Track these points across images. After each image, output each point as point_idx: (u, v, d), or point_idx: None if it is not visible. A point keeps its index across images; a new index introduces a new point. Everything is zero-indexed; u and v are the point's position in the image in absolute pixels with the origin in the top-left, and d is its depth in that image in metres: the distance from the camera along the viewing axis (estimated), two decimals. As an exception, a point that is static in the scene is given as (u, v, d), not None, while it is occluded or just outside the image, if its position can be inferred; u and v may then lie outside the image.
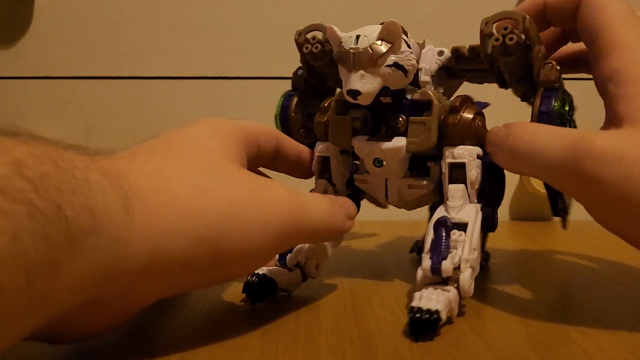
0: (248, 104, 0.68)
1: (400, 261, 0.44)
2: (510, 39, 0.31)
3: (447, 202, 0.31)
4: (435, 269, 0.28)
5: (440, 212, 0.31)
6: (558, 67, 0.31)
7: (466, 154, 0.31)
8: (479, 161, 0.32)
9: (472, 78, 0.36)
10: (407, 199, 0.35)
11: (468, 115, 0.32)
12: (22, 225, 0.17)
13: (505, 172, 0.34)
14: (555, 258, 0.47)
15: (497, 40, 0.31)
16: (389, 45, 0.30)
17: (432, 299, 0.27)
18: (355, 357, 0.24)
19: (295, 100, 0.39)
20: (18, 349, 0.23)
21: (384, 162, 0.33)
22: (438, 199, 0.34)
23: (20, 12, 0.69)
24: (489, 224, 0.32)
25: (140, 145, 0.27)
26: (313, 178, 0.37)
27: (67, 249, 0.18)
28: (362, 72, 0.30)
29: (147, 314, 0.30)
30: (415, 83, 0.34)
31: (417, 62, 0.33)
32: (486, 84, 0.37)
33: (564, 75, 0.32)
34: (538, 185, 0.63)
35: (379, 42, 0.30)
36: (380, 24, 0.30)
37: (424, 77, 0.34)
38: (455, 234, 0.30)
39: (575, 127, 0.32)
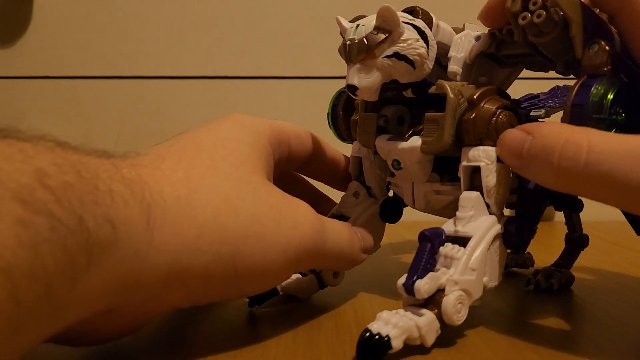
0: (248, 103, 0.66)
1: (401, 261, 0.43)
2: (539, 16, 0.25)
3: (457, 212, 0.27)
4: (408, 288, 0.24)
5: (447, 224, 0.27)
6: (607, 48, 0.25)
7: (482, 155, 0.27)
8: (502, 165, 0.27)
9: (524, 64, 0.30)
10: (435, 206, 0.31)
11: (488, 109, 0.27)
12: (42, 237, 0.17)
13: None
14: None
15: (524, 18, 0.26)
16: (386, 34, 0.27)
17: (389, 322, 0.23)
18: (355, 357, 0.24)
19: (344, 98, 0.37)
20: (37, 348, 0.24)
21: (402, 164, 0.30)
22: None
23: (19, 12, 0.68)
24: (510, 242, 0.26)
25: (168, 145, 0.27)
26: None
27: (86, 261, 0.18)
28: (358, 65, 0.27)
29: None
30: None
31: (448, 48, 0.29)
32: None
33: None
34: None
35: (375, 31, 0.27)
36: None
37: (451, 67, 0.29)
38: (453, 250, 0.25)
39: (622, 123, 0.25)
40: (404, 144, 0.29)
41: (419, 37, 0.27)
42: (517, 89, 0.32)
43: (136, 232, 0.20)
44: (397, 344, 0.23)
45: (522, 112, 0.31)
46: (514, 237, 0.26)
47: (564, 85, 0.36)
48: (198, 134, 0.28)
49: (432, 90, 0.29)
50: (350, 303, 0.32)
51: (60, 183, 0.18)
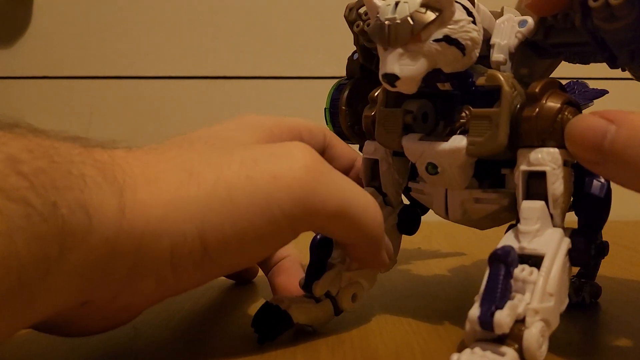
0: (248, 103, 0.67)
1: (402, 261, 0.40)
2: (617, -3, 0.22)
3: (519, 225, 0.23)
4: (485, 322, 0.20)
5: (507, 238, 0.23)
6: (693, 35, 0.22)
7: (548, 159, 0.23)
8: (568, 169, 0.23)
9: (571, 55, 0.27)
10: (473, 216, 0.27)
11: (552, 105, 0.23)
12: (16, 224, 0.16)
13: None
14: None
15: (595, 0, 0.22)
16: (436, 14, 0.22)
17: (474, 368, 0.19)
18: (355, 357, 0.24)
19: (347, 91, 0.32)
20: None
21: (439, 169, 0.25)
22: (516, 217, 0.25)
23: (19, 12, 0.69)
24: (579, 259, 0.23)
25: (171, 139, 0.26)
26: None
27: (59, 249, 0.18)
28: (400, 50, 0.23)
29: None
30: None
31: (488, 35, 0.25)
32: (592, 63, 0.27)
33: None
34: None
35: (423, 10, 0.22)
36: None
37: (496, 56, 0.25)
38: (525, 271, 0.21)
39: None
40: (443, 145, 0.25)
41: (471, 17, 0.23)
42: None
43: (108, 218, 0.19)
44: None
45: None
46: (584, 254, 0.23)
47: (580, 82, 0.34)
48: (203, 130, 0.26)
49: (480, 81, 0.24)
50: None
51: (34, 169, 0.17)
